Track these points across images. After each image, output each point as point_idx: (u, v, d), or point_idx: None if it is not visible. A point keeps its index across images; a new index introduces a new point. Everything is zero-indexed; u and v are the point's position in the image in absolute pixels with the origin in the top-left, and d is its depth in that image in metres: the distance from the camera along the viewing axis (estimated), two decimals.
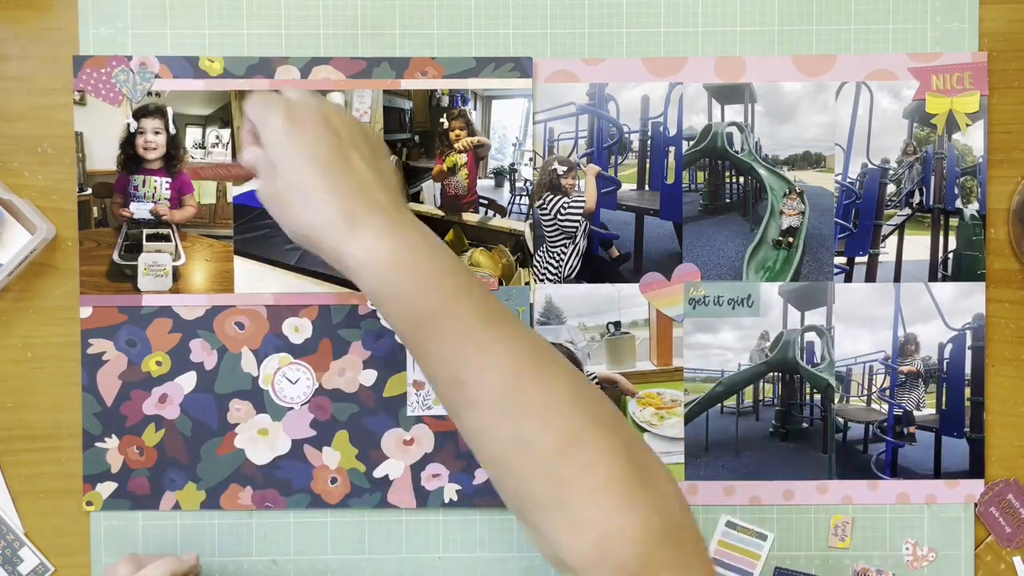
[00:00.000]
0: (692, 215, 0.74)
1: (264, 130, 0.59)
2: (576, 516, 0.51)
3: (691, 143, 0.74)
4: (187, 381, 0.73)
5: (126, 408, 0.73)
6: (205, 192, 0.73)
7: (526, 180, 0.74)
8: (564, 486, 0.51)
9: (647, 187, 0.74)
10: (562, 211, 0.74)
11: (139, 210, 0.73)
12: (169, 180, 0.73)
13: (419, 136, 0.74)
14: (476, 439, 0.55)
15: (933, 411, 0.75)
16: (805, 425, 0.75)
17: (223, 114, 0.73)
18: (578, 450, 0.51)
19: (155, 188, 0.73)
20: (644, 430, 0.74)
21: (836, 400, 0.75)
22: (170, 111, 0.73)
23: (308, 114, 0.59)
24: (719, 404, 0.74)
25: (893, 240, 0.74)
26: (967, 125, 0.74)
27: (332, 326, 0.73)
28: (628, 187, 0.74)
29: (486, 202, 0.74)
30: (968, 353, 0.74)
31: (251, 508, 0.73)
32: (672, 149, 0.74)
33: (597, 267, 0.74)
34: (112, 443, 0.73)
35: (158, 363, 0.73)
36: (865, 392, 0.75)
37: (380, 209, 0.56)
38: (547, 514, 0.52)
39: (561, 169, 0.74)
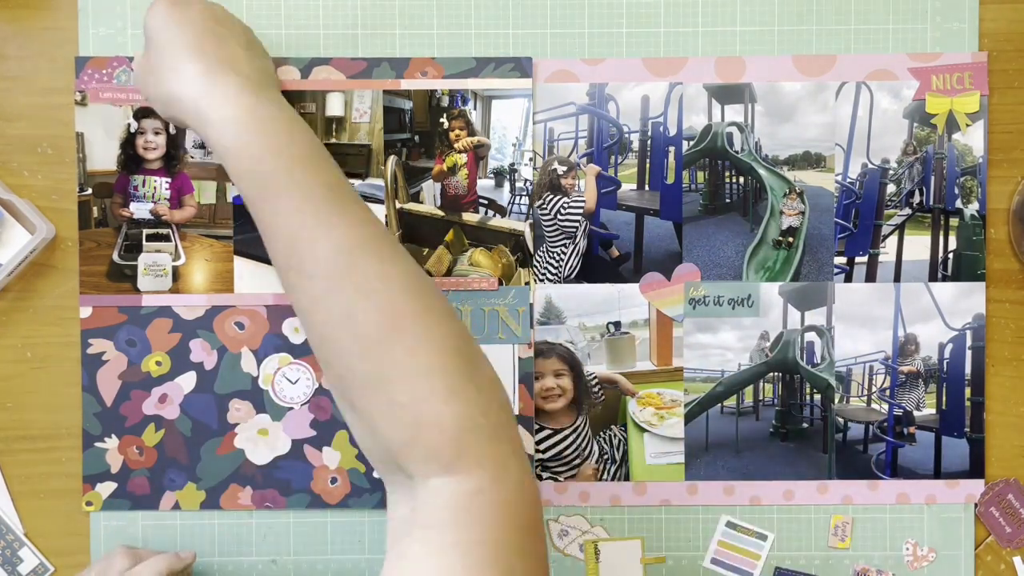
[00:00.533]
0: (692, 215, 0.74)
1: (148, 13, 0.61)
2: (394, 398, 0.51)
3: (691, 143, 0.74)
4: (187, 381, 0.73)
5: (126, 408, 0.73)
6: (205, 192, 0.73)
7: (526, 180, 0.74)
8: (385, 367, 0.52)
9: (647, 187, 0.74)
10: (562, 211, 0.74)
11: (139, 210, 0.73)
12: (169, 180, 0.73)
13: (419, 136, 0.74)
14: (307, 315, 0.55)
15: (933, 411, 0.75)
16: (805, 425, 0.75)
17: None
18: (403, 333, 0.52)
19: (155, 188, 0.73)
20: (644, 430, 0.74)
21: (836, 400, 0.74)
22: None
23: (192, 1, 0.62)
24: (719, 404, 0.74)
25: (893, 240, 0.74)
26: (967, 125, 0.74)
27: None
28: (628, 187, 0.74)
29: (486, 202, 0.74)
30: (968, 353, 0.74)
31: (251, 508, 0.73)
32: (672, 149, 0.74)
33: (597, 267, 0.74)
34: (112, 443, 0.73)
35: (158, 363, 0.73)
36: (865, 392, 0.75)
37: (243, 77, 0.58)
38: (368, 395, 0.52)
39: (561, 169, 0.74)
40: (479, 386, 0.53)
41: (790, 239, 0.74)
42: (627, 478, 0.74)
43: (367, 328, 0.52)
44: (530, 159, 0.74)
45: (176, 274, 0.73)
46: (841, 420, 0.74)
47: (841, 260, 0.74)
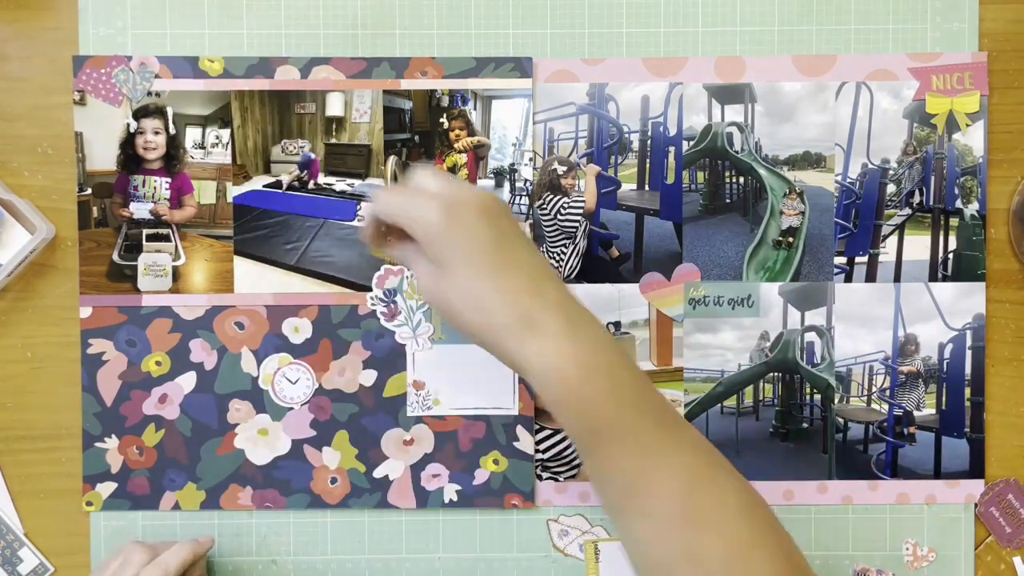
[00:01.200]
0: (692, 215, 0.74)
1: (416, 228, 0.53)
2: None
3: (691, 143, 0.74)
4: (187, 381, 0.73)
5: (126, 408, 0.73)
6: (205, 192, 0.73)
7: (526, 180, 0.74)
8: None
9: (647, 187, 0.74)
10: (562, 211, 0.74)
11: (139, 210, 0.73)
12: (169, 180, 0.73)
13: (419, 136, 0.74)
14: (641, 547, 0.52)
15: (933, 411, 0.75)
16: (805, 425, 0.75)
17: (223, 114, 0.73)
18: (746, 564, 0.50)
19: (155, 188, 0.73)
20: None
21: (836, 400, 0.74)
22: (170, 111, 0.73)
23: (464, 210, 0.52)
24: (719, 404, 0.74)
25: (893, 240, 0.74)
26: (967, 125, 0.74)
27: (332, 326, 0.73)
28: (628, 187, 0.74)
29: None
30: (968, 353, 0.74)
31: (251, 508, 0.73)
32: (672, 149, 0.74)
33: (597, 267, 0.74)
34: (112, 443, 0.73)
35: (158, 363, 0.73)
36: (865, 392, 0.75)
37: (555, 308, 0.51)
38: None
39: (561, 169, 0.74)
40: None
41: (790, 239, 0.74)
42: None
43: (711, 564, 0.50)
44: (530, 159, 0.74)
45: (176, 274, 0.73)
46: (841, 420, 0.74)
47: (841, 260, 0.74)
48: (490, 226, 0.52)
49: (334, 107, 0.73)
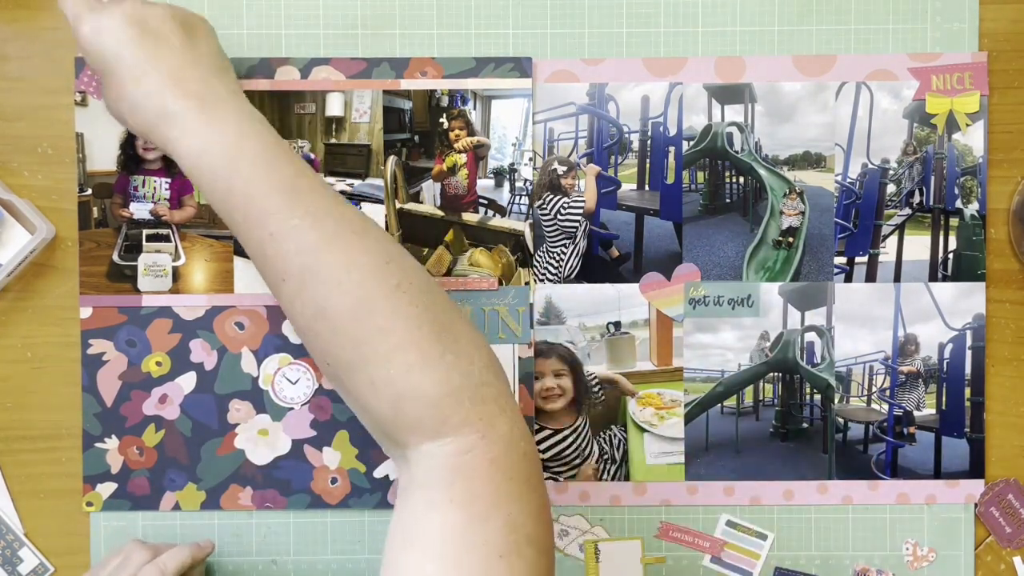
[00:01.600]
0: (692, 215, 0.74)
1: (78, 41, 0.61)
2: (374, 377, 0.55)
3: (691, 143, 0.74)
4: (187, 381, 0.73)
5: (126, 408, 0.73)
6: None
7: (526, 180, 0.74)
8: (362, 350, 0.55)
9: (647, 187, 0.74)
10: (562, 211, 0.74)
11: (139, 210, 0.73)
12: (169, 180, 0.73)
13: (419, 136, 0.74)
14: (287, 312, 0.59)
15: (933, 411, 0.75)
16: (805, 425, 0.75)
17: None
18: (374, 316, 0.55)
19: (155, 188, 0.73)
20: (644, 430, 0.74)
21: (836, 400, 0.74)
22: None
23: (108, 20, 0.60)
24: (719, 404, 0.74)
25: (893, 240, 0.74)
26: (967, 125, 0.74)
27: None
28: (628, 187, 0.74)
29: (486, 202, 0.74)
30: (968, 353, 0.74)
31: (251, 508, 0.73)
32: (672, 149, 0.74)
33: (597, 267, 0.74)
34: (112, 443, 0.73)
35: (158, 363, 0.73)
36: (865, 392, 0.75)
37: (192, 97, 0.58)
38: (353, 377, 0.56)
39: (561, 169, 0.74)
40: (457, 351, 0.55)
41: (790, 239, 0.74)
42: (627, 478, 0.74)
43: (340, 319, 0.55)
44: (530, 159, 0.74)
45: (176, 274, 0.73)
46: (841, 420, 0.74)
47: (841, 260, 0.74)
48: (131, 32, 0.59)
49: (334, 107, 0.73)
